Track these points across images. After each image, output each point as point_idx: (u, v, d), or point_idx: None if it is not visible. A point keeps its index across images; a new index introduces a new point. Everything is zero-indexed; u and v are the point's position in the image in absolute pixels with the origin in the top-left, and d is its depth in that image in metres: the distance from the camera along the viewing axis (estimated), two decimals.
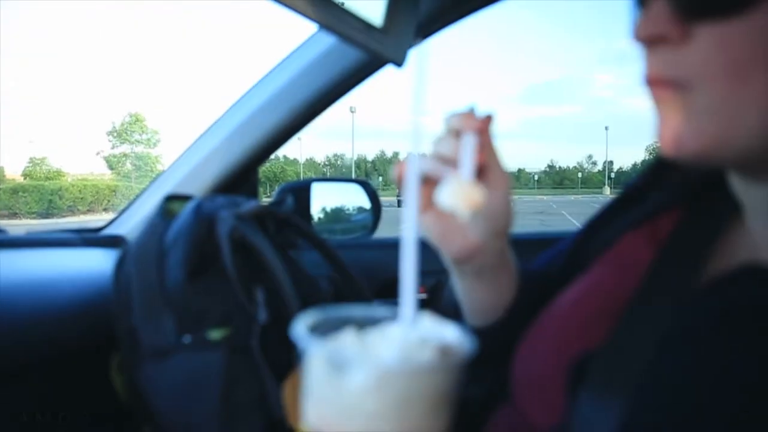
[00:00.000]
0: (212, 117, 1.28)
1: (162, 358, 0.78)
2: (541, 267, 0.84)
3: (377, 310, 0.38)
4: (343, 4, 0.76)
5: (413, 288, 0.37)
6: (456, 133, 0.59)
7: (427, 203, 0.61)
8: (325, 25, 0.74)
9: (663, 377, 0.49)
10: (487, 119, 0.59)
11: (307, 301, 0.92)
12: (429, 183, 0.59)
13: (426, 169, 0.59)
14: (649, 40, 0.49)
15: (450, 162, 0.58)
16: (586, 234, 0.77)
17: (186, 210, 0.87)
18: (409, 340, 0.35)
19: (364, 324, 0.37)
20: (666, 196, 0.70)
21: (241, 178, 1.25)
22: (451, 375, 0.34)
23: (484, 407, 0.79)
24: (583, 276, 0.69)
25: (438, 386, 0.33)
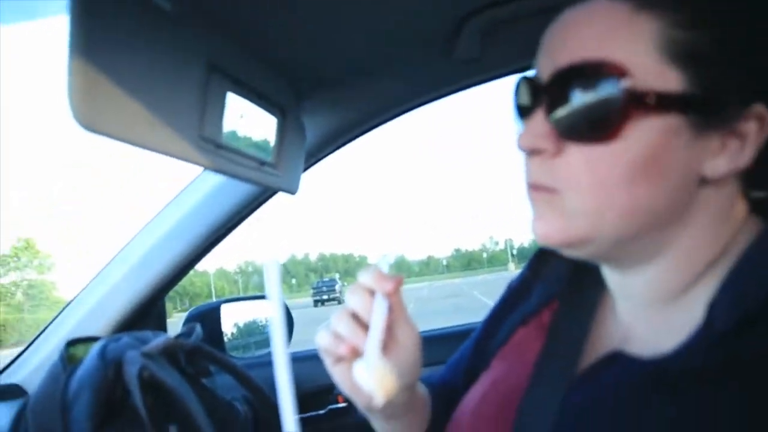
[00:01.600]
0: (107, 242, 1.27)
1: None
2: (448, 375, 0.88)
3: None
4: (235, 148, 0.81)
5: None
6: (369, 292, 0.62)
7: (338, 358, 0.64)
8: (219, 170, 0.78)
9: None
10: (398, 281, 0.61)
11: (225, 426, 0.91)
12: (341, 340, 0.62)
13: (339, 329, 0.62)
14: (529, 150, 0.56)
15: (360, 321, 0.62)
16: (482, 335, 0.83)
17: (90, 354, 0.85)
18: None
19: None
20: (545, 288, 0.76)
21: (145, 311, 1.22)
22: None
23: None
24: (484, 375, 0.74)
25: None
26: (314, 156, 1.12)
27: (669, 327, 0.56)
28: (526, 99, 0.59)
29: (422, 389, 0.77)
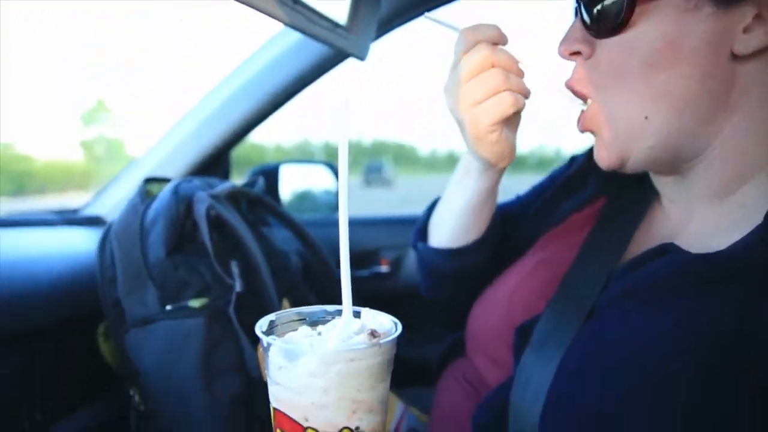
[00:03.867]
0: (179, 106, 1.31)
1: (146, 325, 0.82)
2: (503, 208, 0.89)
3: (327, 308, 0.47)
4: (311, 6, 0.80)
5: (350, 293, 0.44)
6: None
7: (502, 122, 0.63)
8: (294, 26, 0.77)
9: (585, 340, 0.55)
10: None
11: (278, 273, 0.98)
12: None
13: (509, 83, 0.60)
14: (566, 55, 0.58)
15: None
16: (540, 210, 0.83)
17: (165, 191, 0.91)
18: (348, 330, 0.43)
19: (316, 321, 0.46)
20: (601, 181, 0.76)
21: (214, 162, 1.28)
22: (381, 354, 0.41)
23: (445, 358, 0.86)
24: (531, 252, 0.76)
25: (370, 365, 0.41)
26: (387, 25, 1.09)
27: (721, 224, 0.55)
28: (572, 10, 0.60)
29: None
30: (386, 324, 0.45)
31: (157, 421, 0.83)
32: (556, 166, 0.89)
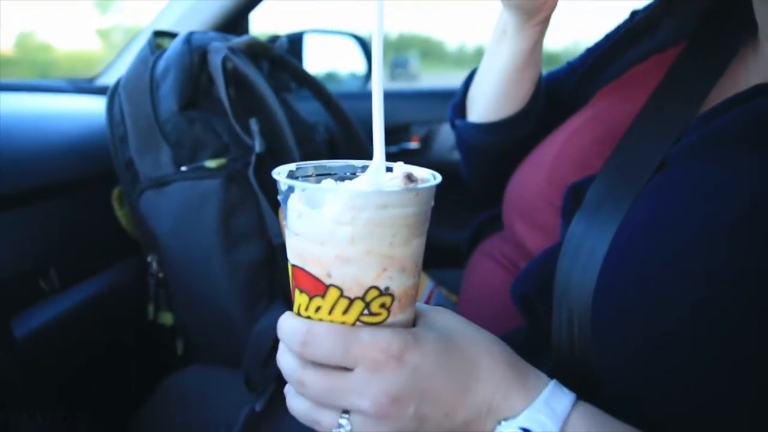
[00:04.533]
0: None
1: (161, 187, 0.76)
2: (548, 81, 0.80)
3: (355, 163, 0.41)
4: None
5: (383, 139, 0.37)
6: None
7: None
8: None
9: (652, 197, 0.46)
10: None
11: (303, 141, 0.89)
12: None
13: None
14: None
15: None
16: (593, 66, 0.72)
17: (177, 41, 0.81)
18: (380, 173, 0.37)
19: (343, 177, 0.40)
20: (677, 26, 0.64)
21: (233, 23, 1.16)
22: (418, 203, 0.35)
23: (477, 236, 0.79)
24: (584, 107, 0.66)
25: (405, 213, 0.34)
26: None
27: None
28: None
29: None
30: (424, 174, 0.37)
31: (175, 288, 0.79)
32: None
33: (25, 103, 0.94)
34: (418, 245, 0.36)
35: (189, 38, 0.80)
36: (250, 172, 0.73)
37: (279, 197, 0.36)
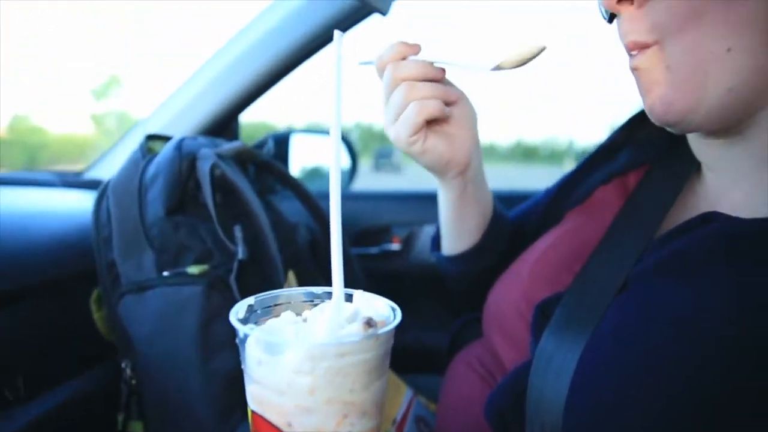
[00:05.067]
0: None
1: (141, 291, 0.75)
2: (516, 216, 0.85)
3: (314, 290, 0.41)
4: None
5: (342, 272, 0.38)
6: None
7: (424, 130, 0.62)
8: None
9: (615, 317, 0.49)
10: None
11: (285, 245, 0.90)
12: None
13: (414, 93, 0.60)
14: (616, 5, 0.50)
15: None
16: (561, 189, 0.77)
17: (167, 146, 0.83)
18: (338, 318, 0.36)
19: (302, 305, 0.40)
20: (636, 152, 0.69)
21: (223, 124, 1.20)
22: (377, 347, 0.35)
23: (456, 341, 0.79)
24: (555, 227, 0.70)
25: (365, 359, 0.34)
26: None
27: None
28: None
29: (491, 196, 0.76)
30: (383, 310, 0.38)
31: (148, 395, 0.76)
32: (567, 158, 0.82)
33: (10, 199, 0.94)
34: (379, 387, 0.36)
35: (180, 144, 0.82)
36: (232, 279, 0.73)
37: (236, 341, 0.36)
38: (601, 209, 0.66)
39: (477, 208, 0.73)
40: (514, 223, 0.83)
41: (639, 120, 0.72)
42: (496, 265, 0.75)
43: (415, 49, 0.60)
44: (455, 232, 0.76)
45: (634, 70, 0.51)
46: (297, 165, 1.57)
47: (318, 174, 1.77)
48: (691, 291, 0.44)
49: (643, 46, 0.49)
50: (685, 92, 0.48)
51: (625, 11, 0.50)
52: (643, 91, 0.51)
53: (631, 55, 0.51)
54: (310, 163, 1.73)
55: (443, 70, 0.61)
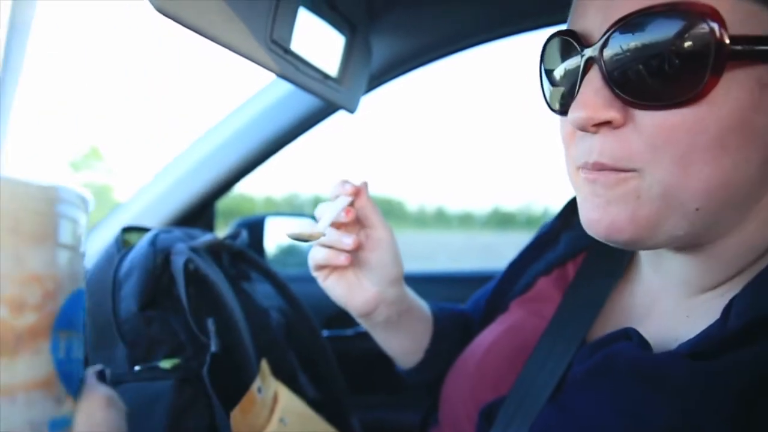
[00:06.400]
0: (168, 153, 1.29)
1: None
2: (468, 307, 0.88)
3: None
4: (302, 57, 0.79)
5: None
6: (334, 197, 0.68)
7: (328, 269, 0.71)
8: (284, 76, 0.76)
9: (544, 422, 0.52)
10: (362, 186, 0.68)
11: (258, 332, 0.92)
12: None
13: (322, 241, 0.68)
14: (593, 124, 0.44)
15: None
16: (505, 278, 0.79)
17: (142, 241, 0.86)
18: None
19: None
20: (573, 239, 0.71)
21: (198, 212, 1.24)
22: None
23: (428, 421, 0.81)
24: (500, 319, 0.72)
25: None
26: (377, 79, 1.08)
27: (693, 312, 0.50)
28: (566, 61, 0.47)
29: (423, 305, 0.80)
30: None
31: None
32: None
33: None
34: None
35: (155, 239, 0.85)
36: (205, 371, 0.75)
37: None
38: (542, 302, 0.68)
39: (405, 337, 0.77)
40: (466, 317, 0.85)
41: (575, 204, 0.75)
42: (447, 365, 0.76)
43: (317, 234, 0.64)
44: (392, 353, 0.80)
45: (592, 183, 0.46)
46: (273, 245, 1.60)
47: (294, 251, 1.80)
48: (602, 404, 0.46)
49: (615, 170, 0.45)
50: (639, 227, 0.45)
51: (604, 129, 0.45)
52: (590, 206, 0.47)
53: (585, 168, 0.47)
54: (285, 242, 1.76)
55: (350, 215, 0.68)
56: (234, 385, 0.78)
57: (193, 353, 0.77)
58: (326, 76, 0.87)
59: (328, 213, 0.64)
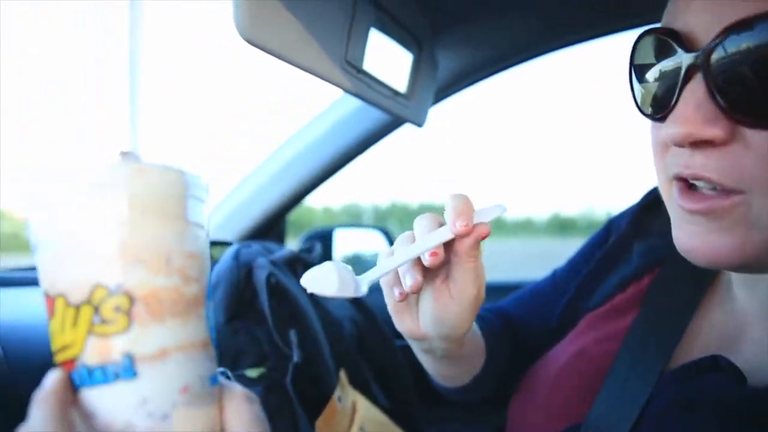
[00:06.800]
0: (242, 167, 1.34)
1: None
2: (513, 310, 0.80)
3: None
4: (373, 75, 0.81)
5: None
6: (438, 222, 0.51)
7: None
8: (357, 95, 0.78)
9: None
10: (479, 230, 0.48)
11: (333, 342, 0.95)
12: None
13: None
14: (696, 141, 0.39)
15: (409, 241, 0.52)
16: (578, 293, 0.73)
17: (225, 256, 0.91)
18: None
19: None
20: (650, 248, 0.65)
21: (271, 225, 1.30)
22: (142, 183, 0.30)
23: None
24: (570, 337, 0.66)
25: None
26: (444, 91, 1.10)
27: None
28: (663, 62, 0.42)
29: (477, 333, 0.68)
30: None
31: None
32: None
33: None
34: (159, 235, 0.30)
35: (237, 254, 0.90)
36: (288, 381, 0.78)
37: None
38: (618, 320, 0.61)
39: (450, 367, 0.67)
40: (511, 325, 0.77)
41: (648, 207, 0.68)
42: (501, 383, 0.71)
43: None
44: (433, 374, 0.70)
45: (695, 210, 0.41)
46: (339, 254, 1.64)
47: (359, 260, 1.83)
48: None
49: (724, 191, 0.40)
50: (759, 250, 0.40)
51: (706, 148, 0.40)
52: (687, 232, 0.43)
53: (695, 186, 0.42)
54: (351, 251, 1.80)
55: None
56: (316, 394, 0.81)
57: (276, 363, 0.81)
58: (396, 93, 0.89)
59: (408, 249, 0.49)
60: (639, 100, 0.47)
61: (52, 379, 0.29)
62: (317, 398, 0.80)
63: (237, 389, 0.33)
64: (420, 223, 0.51)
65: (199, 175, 0.32)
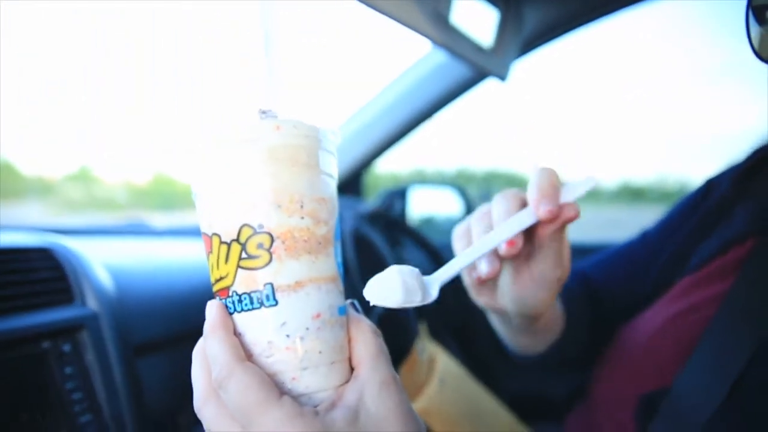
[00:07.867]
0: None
1: None
2: (595, 274, 0.76)
3: None
4: (460, 28, 0.79)
5: None
6: (522, 202, 0.47)
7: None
8: (442, 45, 0.76)
9: (732, 425, 0.45)
10: (569, 213, 0.44)
11: None
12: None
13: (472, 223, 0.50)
14: None
15: (488, 226, 0.48)
16: (676, 253, 0.68)
17: None
18: None
19: None
20: (754, 211, 0.60)
21: (354, 178, 1.32)
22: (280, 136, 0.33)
23: (567, 403, 0.78)
24: (665, 299, 0.63)
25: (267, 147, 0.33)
26: (529, 45, 1.05)
27: None
28: None
29: (555, 302, 0.64)
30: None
31: None
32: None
33: (181, 250, 1.05)
34: (297, 180, 0.33)
35: None
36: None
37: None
38: (719, 284, 0.57)
39: (528, 336, 0.64)
40: (591, 287, 0.74)
41: (755, 169, 0.63)
42: (580, 348, 0.68)
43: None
44: (525, 347, 0.68)
45: None
46: (414, 215, 1.64)
47: (432, 222, 1.83)
48: None
49: None
50: None
51: None
52: None
53: None
54: (426, 212, 1.80)
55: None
56: (398, 345, 0.82)
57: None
58: (480, 48, 0.86)
59: (484, 240, 0.44)
60: (757, 45, 0.43)
61: (215, 309, 0.33)
62: (399, 349, 0.82)
63: (364, 321, 0.36)
64: (499, 205, 0.46)
65: (330, 129, 0.35)
